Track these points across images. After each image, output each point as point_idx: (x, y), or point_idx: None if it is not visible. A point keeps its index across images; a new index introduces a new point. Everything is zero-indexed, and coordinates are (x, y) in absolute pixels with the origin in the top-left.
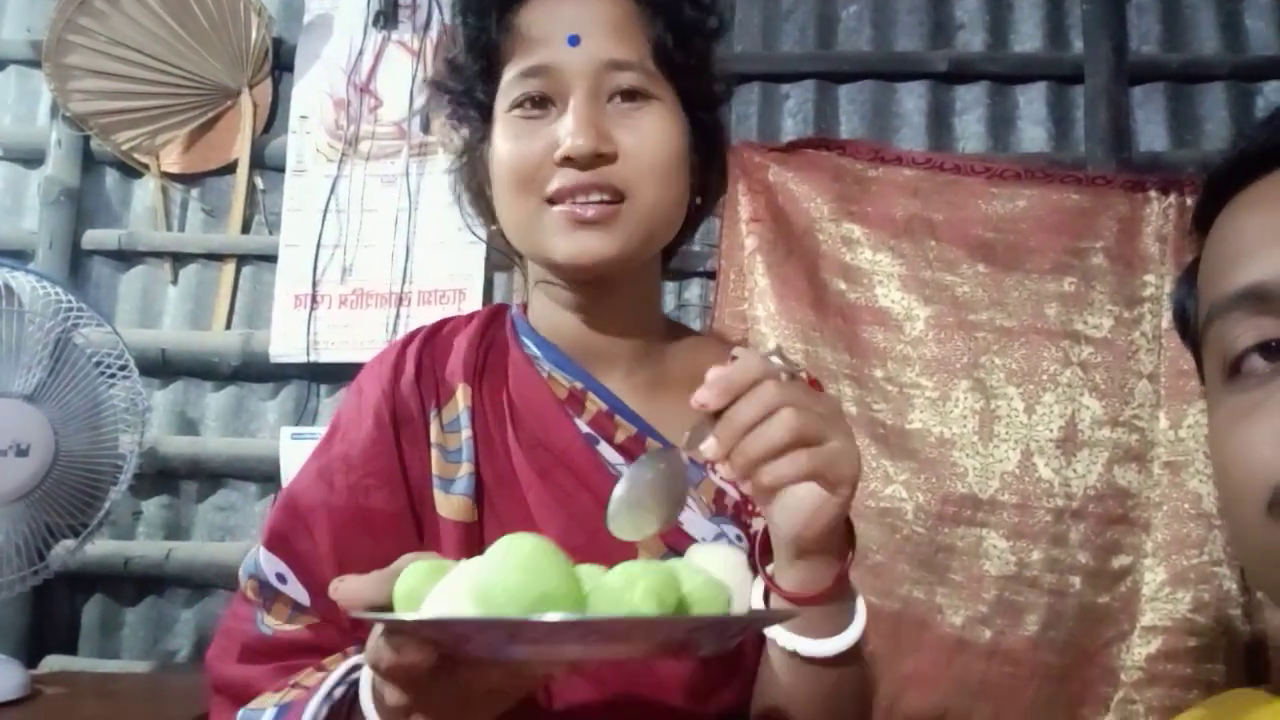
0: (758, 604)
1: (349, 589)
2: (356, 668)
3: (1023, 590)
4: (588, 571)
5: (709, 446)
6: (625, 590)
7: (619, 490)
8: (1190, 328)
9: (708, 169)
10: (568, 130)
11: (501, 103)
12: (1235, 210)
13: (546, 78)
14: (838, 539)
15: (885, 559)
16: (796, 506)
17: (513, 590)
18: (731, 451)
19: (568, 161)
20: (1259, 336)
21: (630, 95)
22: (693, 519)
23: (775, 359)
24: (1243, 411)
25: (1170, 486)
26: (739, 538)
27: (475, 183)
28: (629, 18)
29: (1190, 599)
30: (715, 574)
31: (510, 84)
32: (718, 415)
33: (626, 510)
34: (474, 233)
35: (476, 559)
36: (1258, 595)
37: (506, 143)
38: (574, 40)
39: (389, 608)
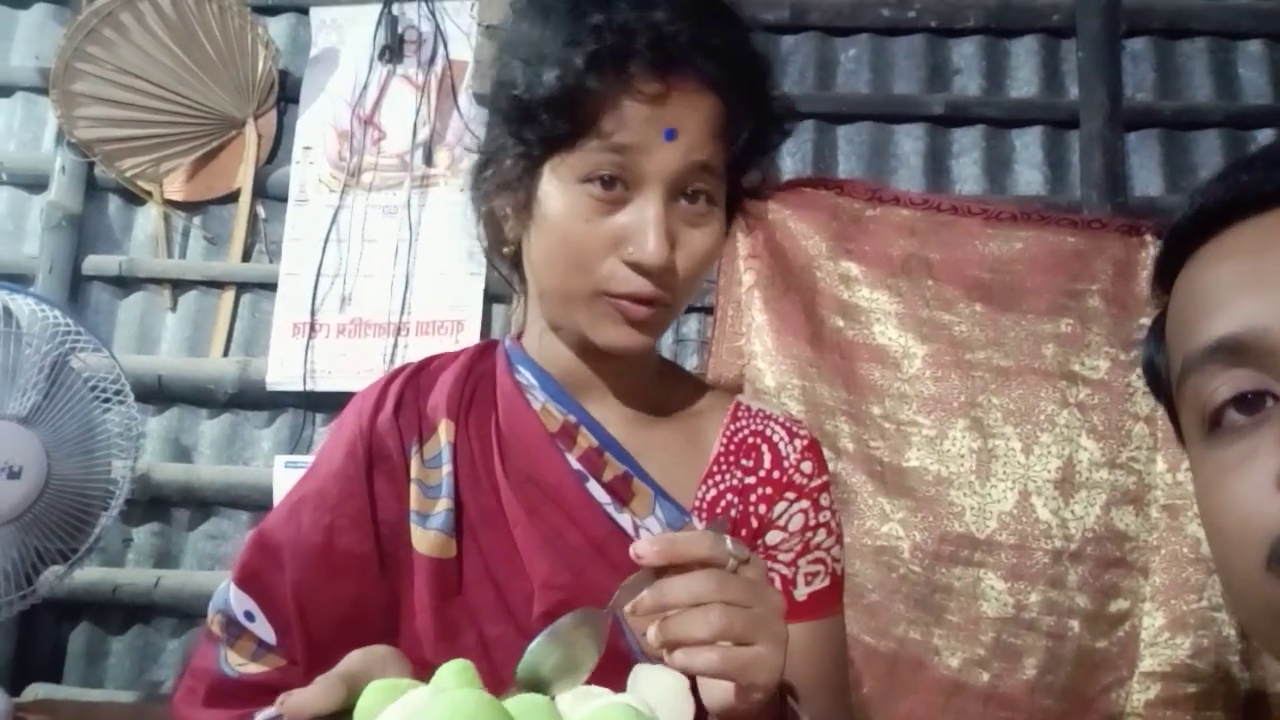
0: None
1: (296, 702)
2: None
3: (1020, 633)
4: (530, 708)
5: (641, 605)
6: None
7: (536, 641)
8: (1162, 383)
9: None
10: (648, 241)
11: (573, 165)
12: (1199, 264)
13: (629, 159)
14: (769, 710)
15: (881, 598)
16: (712, 690)
17: None
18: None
19: (638, 267)
20: (1236, 389)
21: (695, 196)
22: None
23: (729, 543)
24: (1229, 465)
25: (1168, 530)
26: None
27: (501, 208)
28: (721, 121)
29: (1190, 644)
30: (656, 700)
31: (590, 150)
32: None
33: (541, 659)
34: (481, 246)
35: (425, 692)
36: (1255, 642)
37: (569, 220)
38: (671, 135)
39: (341, 713)
